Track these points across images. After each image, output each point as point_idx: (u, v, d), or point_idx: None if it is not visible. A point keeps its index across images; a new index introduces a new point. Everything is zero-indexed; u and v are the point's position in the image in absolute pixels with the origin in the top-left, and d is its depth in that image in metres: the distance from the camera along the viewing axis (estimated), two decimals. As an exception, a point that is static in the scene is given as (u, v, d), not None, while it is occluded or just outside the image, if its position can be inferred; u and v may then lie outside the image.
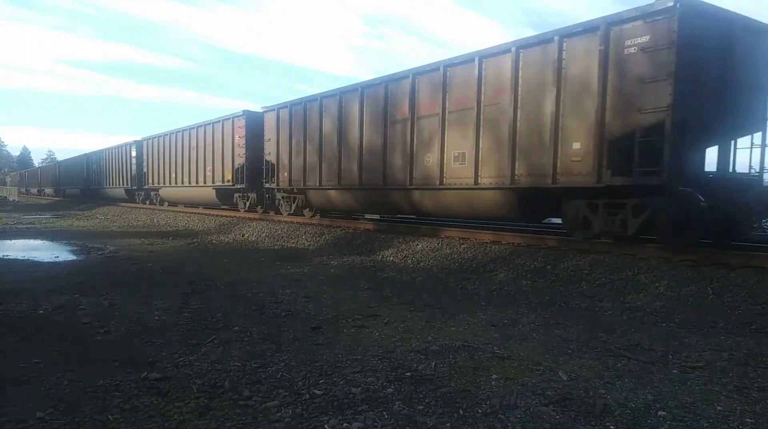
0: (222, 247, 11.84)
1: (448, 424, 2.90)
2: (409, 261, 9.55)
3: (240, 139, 17.33)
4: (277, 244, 12.39)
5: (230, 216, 18.23)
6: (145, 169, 26.25)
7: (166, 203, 24.62)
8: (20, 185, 62.79)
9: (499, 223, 11.45)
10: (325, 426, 2.86)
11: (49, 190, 51.70)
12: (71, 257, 9.93)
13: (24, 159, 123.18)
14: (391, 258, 9.94)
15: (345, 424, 2.87)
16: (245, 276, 7.80)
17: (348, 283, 7.39)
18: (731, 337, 4.79)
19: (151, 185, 25.63)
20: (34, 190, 60.15)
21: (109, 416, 2.97)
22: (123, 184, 29.20)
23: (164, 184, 23.78)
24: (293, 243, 12.44)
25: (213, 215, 19.09)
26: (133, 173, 27.68)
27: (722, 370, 3.86)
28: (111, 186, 31.55)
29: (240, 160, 17.34)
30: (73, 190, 41.21)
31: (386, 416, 2.98)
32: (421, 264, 9.25)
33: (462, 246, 9.59)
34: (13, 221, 19.43)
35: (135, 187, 27.71)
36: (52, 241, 12.75)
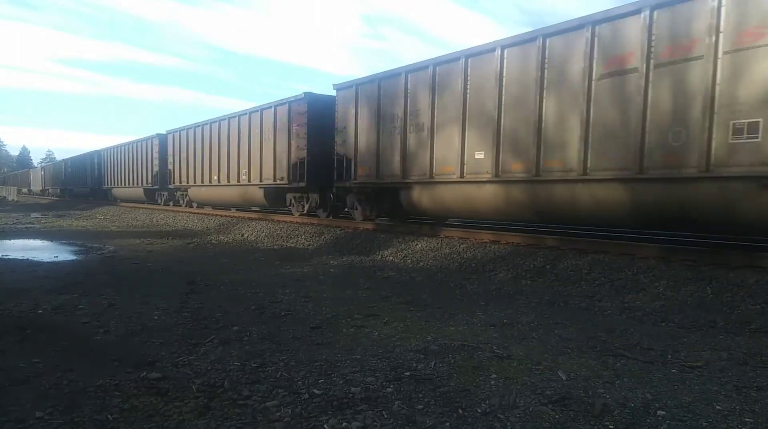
0: (221, 247, 11.84)
1: (448, 424, 2.90)
2: (409, 261, 9.55)
3: (300, 128, 14.08)
4: (277, 244, 12.39)
5: (230, 216, 18.23)
6: (170, 167, 22.83)
7: (195, 205, 21.94)
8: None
9: (499, 223, 11.30)
10: (325, 425, 2.86)
11: (53, 191, 49.93)
12: (70, 257, 9.93)
13: (23, 159, 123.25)
14: (391, 258, 9.95)
15: (344, 424, 2.87)
16: (244, 276, 7.80)
17: (347, 282, 7.40)
18: (730, 336, 4.80)
19: (177, 184, 22.40)
20: (36, 190, 58.47)
21: (109, 416, 2.97)
22: (142, 184, 25.99)
23: (194, 182, 20.65)
24: (293, 243, 12.44)
25: (212, 215, 19.09)
26: (154, 171, 24.40)
27: (721, 369, 3.86)
28: (126, 186, 28.22)
29: (299, 154, 14.06)
30: (82, 190, 38.78)
31: (385, 416, 2.98)
32: (421, 263, 9.25)
33: (461, 246, 9.59)
34: (12, 221, 19.42)
35: (157, 187, 24.65)
36: (52, 241, 12.75)
